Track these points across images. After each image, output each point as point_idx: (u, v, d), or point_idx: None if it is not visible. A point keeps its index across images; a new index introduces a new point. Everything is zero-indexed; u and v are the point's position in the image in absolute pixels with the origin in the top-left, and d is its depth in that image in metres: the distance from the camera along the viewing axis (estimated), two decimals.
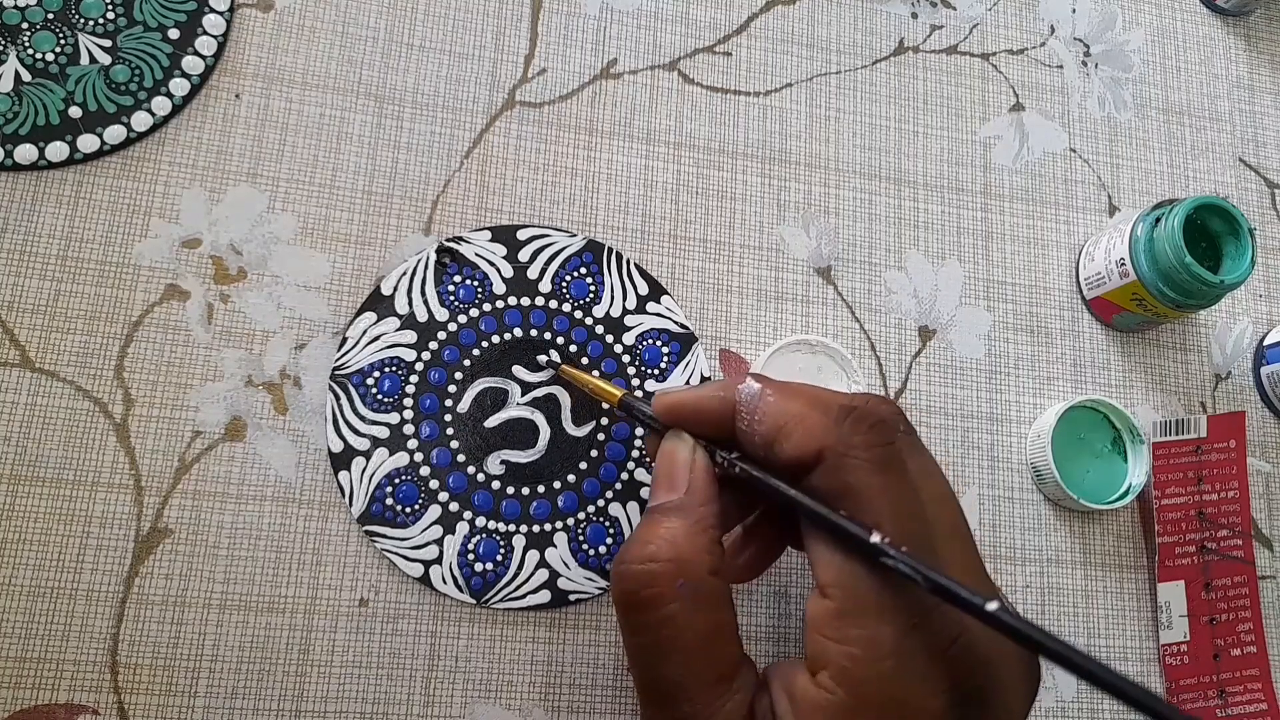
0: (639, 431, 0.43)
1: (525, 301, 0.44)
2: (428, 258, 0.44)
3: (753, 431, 0.30)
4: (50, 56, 0.43)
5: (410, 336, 0.43)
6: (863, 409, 0.30)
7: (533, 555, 0.41)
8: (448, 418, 0.42)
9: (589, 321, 0.44)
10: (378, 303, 0.43)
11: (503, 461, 0.42)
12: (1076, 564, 0.46)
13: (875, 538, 0.27)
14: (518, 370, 0.43)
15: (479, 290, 0.44)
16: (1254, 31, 0.57)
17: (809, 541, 0.30)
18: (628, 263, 0.45)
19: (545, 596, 0.41)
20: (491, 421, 0.42)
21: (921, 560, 0.26)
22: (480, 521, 0.41)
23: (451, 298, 0.43)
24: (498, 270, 0.44)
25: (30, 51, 0.42)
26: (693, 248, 0.47)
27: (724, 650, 0.29)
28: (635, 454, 0.43)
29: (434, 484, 0.41)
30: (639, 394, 0.44)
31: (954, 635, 0.27)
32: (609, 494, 0.42)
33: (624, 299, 0.45)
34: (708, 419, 0.32)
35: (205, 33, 0.44)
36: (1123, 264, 0.47)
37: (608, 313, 0.44)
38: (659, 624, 0.29)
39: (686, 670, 0.29)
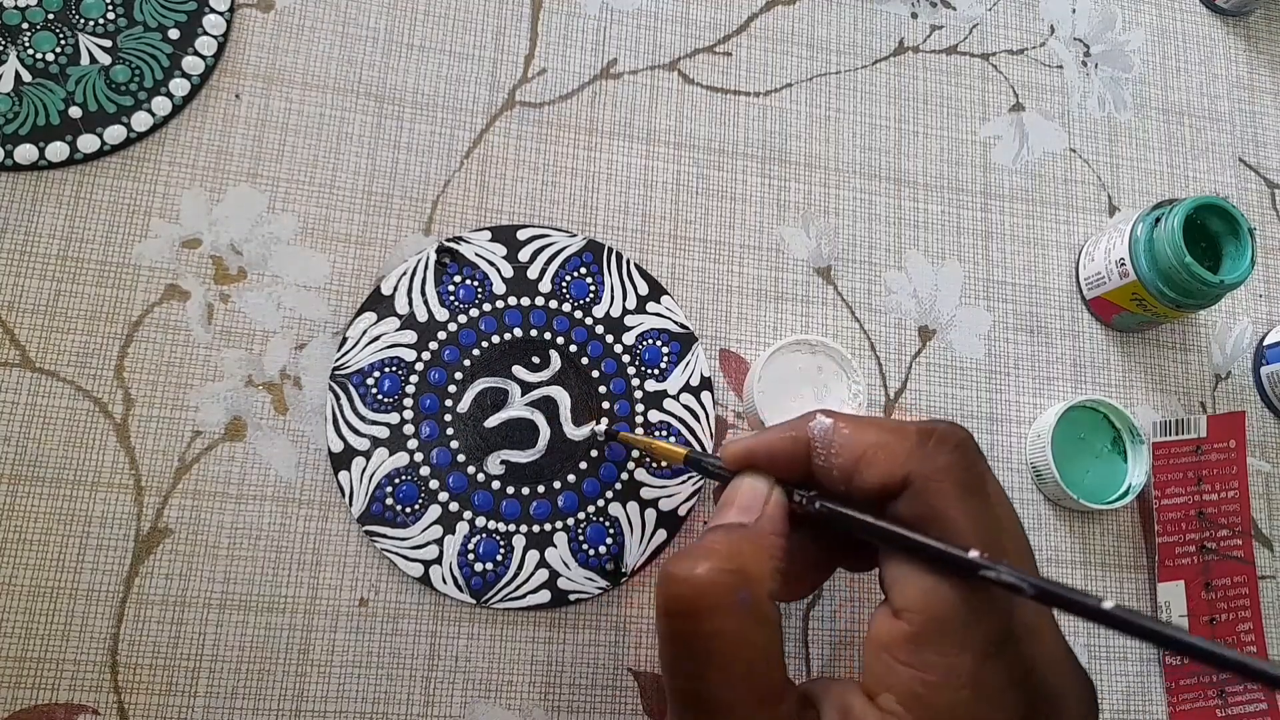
0: (639, 432, 0.43)
1: (525, 301, 0.44)
2: (428, 258, 0.44)
3: (831, 465, 0.30)
4: (50, 57, 0.43)
5: (410, 336, 0.43)
6: (943, 432, 0.29)
7: (533, 555, 0.41)
8: (448, 418, 0.42)
9: (589, 321, 0.44)
10: (378, 303, 0.43)
11: (503, 461, 0.42)
12: (1076, 564, 0.46)
13: (974, 554, 0.26)
14: (518, 370, 0.43)
15: (479, 290, 0.44)
16: (1254, 31, 0.57)
17: (887, 564, 0.29)
18: (628, 263, 0.45)
19: (545, 596, 0.41)
20: (491, 421, 0.42)
21: (1023, 570, 0.26)
22: (480, 521, 0.41)
23: (451, 298, 0.43)
24: (498, 270, 0.44)
25: (30, 51, 0.42)
26: (693, 248, 0.47)
27: (773, 672, 0.28)
28: (635, 454, 0.43)
29: (434, 484, 0.41)
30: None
31: (1028, 667, 0.27)
32: (609, 494, 0.42)
33: (624, 299, 0.45)
34: (780, 461, 0.31)
35: (205, 33, 0.44)
36: (1123, 264, 0.47)
37: (608, 313, 0.44)
38: (711, 635, 0.27)
39: (735, 687, 0.27)
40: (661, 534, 0.42)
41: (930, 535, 0.28)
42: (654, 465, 0.43)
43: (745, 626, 0.28)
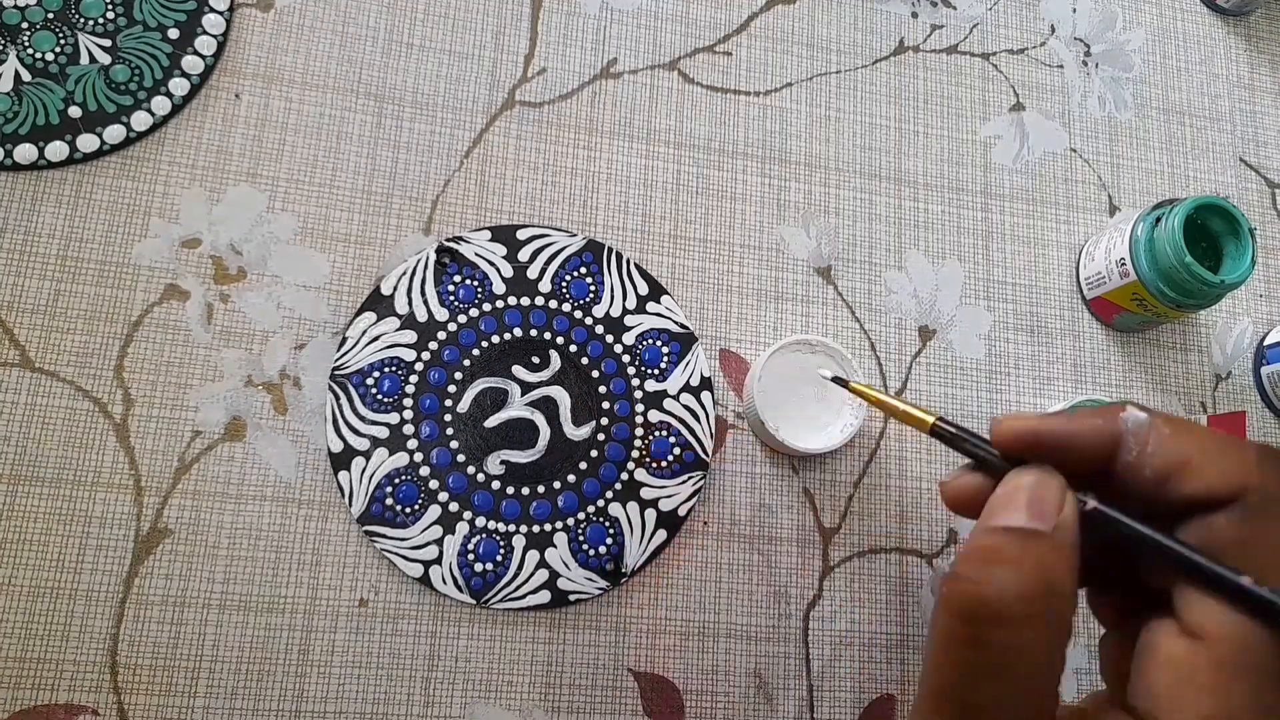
0: (639, 432, 0.43)
1: (525, 301, 0.44)
2: (428, 258, 0.44)
3: (1145, 464, 0.27)
4: (50, 56, 0.43)
5: (410, 336, 0.43)
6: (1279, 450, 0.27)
7: (533, 555, 0.41)
8: (448, 418, 0.42)
9: (589, 321, 0.44)
10: (378, 303, 0.43)
11: (503, 461, 0.42)
12: None
13: None
14: (518, 370, 0.43)
15: (479, 290, 0.44)
16: (1254, 31, 0.57)
17: (1176, 579, 0.27)
18: (628, 263, 0.45)
19: (545, 596, 0.41)
20: (491, 421, 0.42)
21: None
22: (480, 521, 0.41)
23: (451, 298, 0.43)
24: (498, 270, 0.44)
25: (30, 51, 0.42)
26: (693, 248, 0.47)
27: (1054, 694, 0.26)
28: (635, 454, 0.43)
29: (434, 484, 0.41)
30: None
31: None
32: (609, 494, 0.42)
33: (624, 299, 0.45)
34: (1077, 451, 0.28)
35: (205, 32, 0.44)
36: (1123, 264, 0.47)
37: (608, 312, 0.44)
38: (1006, 645, 0.25)
39: (1014, 705, 0.25)
40: (661, 534, 0.42)
41: (1249, 563, 0.25)
42: (653, 465, 0.43)
43: (1046, 645, 0.25)
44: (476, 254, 0.44)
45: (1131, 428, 0.27)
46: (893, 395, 0.37)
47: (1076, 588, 0.27)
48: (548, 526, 0.41)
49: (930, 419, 0.32)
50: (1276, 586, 0.24)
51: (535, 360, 0.43)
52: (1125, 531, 0.27)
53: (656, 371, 0.44)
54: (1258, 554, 0.25)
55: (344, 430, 0.41)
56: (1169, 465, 0.26)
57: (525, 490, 0.42)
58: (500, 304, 0.44)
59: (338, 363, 0.42)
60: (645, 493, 0.43)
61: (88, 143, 0.42)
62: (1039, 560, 0.26)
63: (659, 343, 0.45)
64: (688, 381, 0.44)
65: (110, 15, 0.44)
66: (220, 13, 0.45)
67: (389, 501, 0.41)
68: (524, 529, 0.41)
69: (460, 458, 0.42)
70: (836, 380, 0.39)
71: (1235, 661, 0.24)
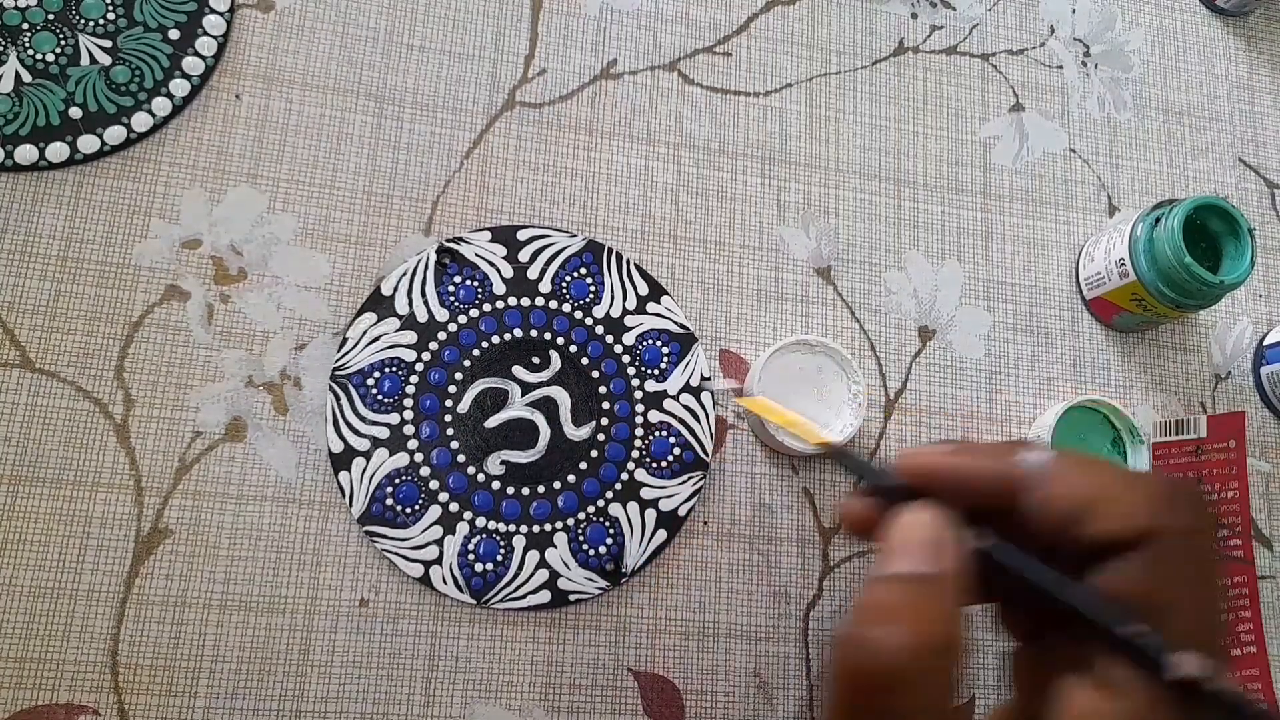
0: (639, 432, 0.43)
1: (525, 302, 0.44)
2: (428, 258, 0.44)
3: (1046, 510, 0.26)
4: (51, 57, 0.43)
5: (410, 337, 0.43)
6: (1190, 489, 0.26)
7: (533, 555, 0.41)
8: (448, 418, 0.42)
9: (589, 321, 0.44)
10: (378, 303, 0.43)
11: (503, 462, 0.42)
12: None
13: (1193, 666, 0.23)
14: (518, 371, 0.43)
15: (479, 290, 0.44)
16: (1254, 31, 0.57)
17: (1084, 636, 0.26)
18: (628, 263, 0.45)
19: (545, 596, 0.41)
20: (491, 422, 0.42)
21: (1258, 705, 0.23)
22: (480, 522, 0.41)
23: (451, 298, 0.43)
24: (498, 270, 0.44)
25: (31, 52, 0.42)
26: (693, 248, 0.47)
27: None
28: (635, 454, 0.43)
29: (434, 484, 0.41)
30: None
31: None
32: (609, 494, 0.42)
33: (624, 299, 0.45)
34: (974, 491, 0.27)
35: (205, 33, 0.44)
36: (1123, 264, 0.47)
37: (608, 313, 0.44)
38: (898, 710, 0.25)
39: None
40: (661, 534, 0.42)
41: (1147, 611, 0.24)
42: (653, 466, 0.43)
43: (940, 694, 0.25)
44: (477, 254, 0.44)
45: (1032, 470, 0.26)
46: (787, 411, 0.37)
47: (963, 645, 0.26)
48: (548, 526, 0.41)
49: (824, 439, 0.32)
50: (1167, 636, 0.24)
51: (535, 360, 0.43)
52: (1031, 575, 0.26)
53: (656, 372, 0.44)
54: (1166, 601, 0.25)
55: (344, 430, 0.41)
56: (1073, 509, 0.26)
57: (525, 490, 0.42)
58: (500, 304, 0.44)
59: (338, 363, 0.42)
60: (645, 493, 0.43)
61: (88, 143, 0.42)
62: (932, 613, 0.25)
63: (659, 343, 0.45)
64: (688, 382, 0.44)
65: (111, 16, 0.44)
66: (220, 14, 0.45)
67: (389, 502, 0.41)
68: (524, 529, 0.41)
69: (460, 458, 0.42)
70: (732, 391, 0.40)
71: (1145, 717, 0.24)
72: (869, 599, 0.26)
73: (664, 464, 0.43)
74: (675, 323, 0.45)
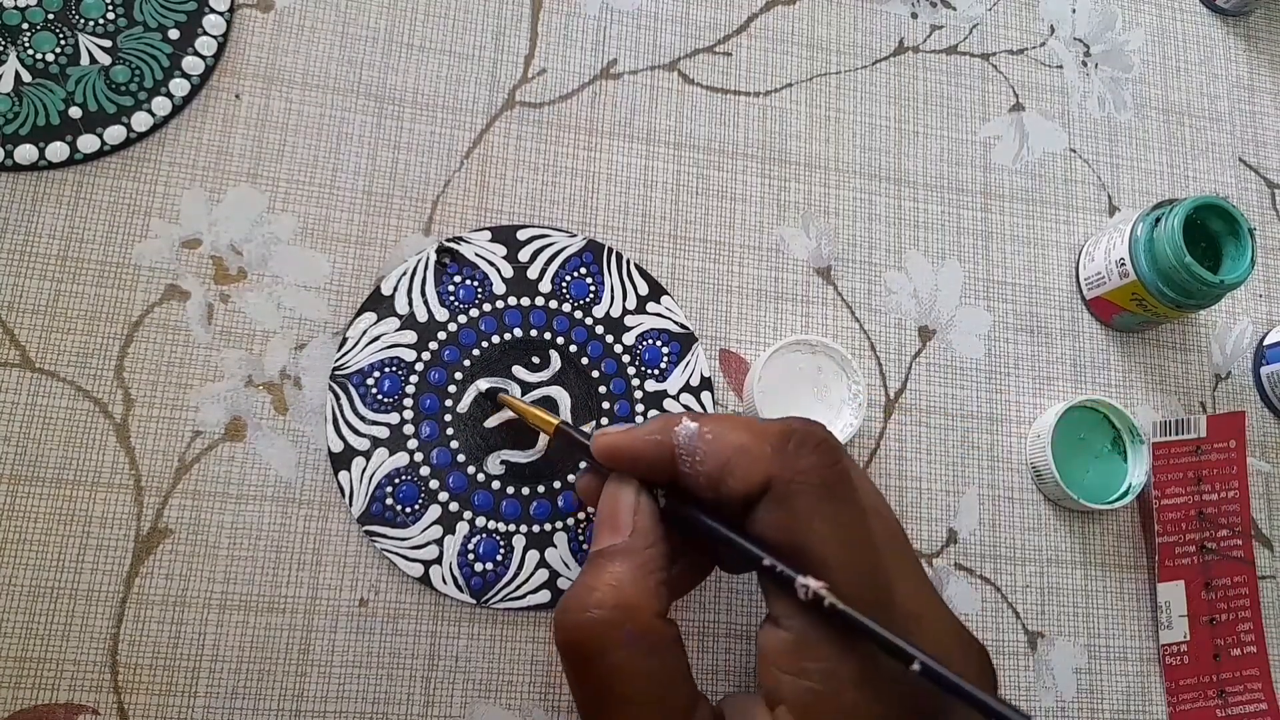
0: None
1: (525, 301, 0.44)
2: (428, 258, 0.44)
3: (696, 473, 0.29)
4: (50, 57, 0.43)
5: (410, 337, 0.43)
6: (803, 431, 0.29)
7: (533, 555, 0.41)
8: (448, 418, 0.42)
9: (589, 321, 0.44)
10: (378, 303, 0.43)
11: (502, 461, 0.42)
12: (1076, 564, 0.46)
13: (811, 584, 0.26)
14: (518, 370, 0.43)
15: (479, 290, 0.44)
16: (1254, 31, 0.57)
17: (759, 575, 0.29)
18: (628, 263, 0.45)
19: (545, 596, 0.41)
20: (491, 421, 0.42)
21: (881, 599, 0.26)
22: (480, 521, 0.41)
23: (451, 298, 0.43)
24: (498, 270, 0.44)
25: (30, 52, 0.42)
26: (693, 248, 0.47)
27: (676, 694, 0.28)
28: None
29: (434, 484, 0.41)
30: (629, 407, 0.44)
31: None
32: None
33: (624, 299, 0.45)
34: (646, 462, 0.30)
35: (205, 33, 0.44)
36: (1123, 264, 0.47)
37: (608, 313, 0.44)
38: (607, 673, 0.27)
39: (640, 716, 0.28)
40: None
41: (792, 546, 0.27)
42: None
43: (635, 659, 0.27)
44: (476, 254, 0.44)
45: (682, 440, 0.29)
46: (525, 401, 0.40)
47: (661, 588, 0.29)
48: (548, 526, 0.41)
49: (555, 422, 0.36)
50: (796, 566, 0.27)
51: (535, 360, 0.43)
52: (698, 529, 0.29)
53: (656, 372, 0.44)
54: (801, 536, 0.27)
55: (344, 430, 0.41)
56: (715, 469, 0.29)
57: (525, 490, 0.42)
58: (500, 304, 0.44)
59: (338, 363, 0.42)
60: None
61: (88, 143, 0.42)
62: (612, 581, 0.28)
63: (659, 343, 0.45)
64: (688, 381, 0.44)
65: (110, 16, 0.44)
66: (220, 13, 0.45)
67: (389, 501, 0.41)
68: (524, 529, 0.41)
69: (460, 457, 0.42)
70: (490, 393, 0.41)
71: (805, 639, 0.27)
72: (575, 580, 0.30)
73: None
74: (675, 323, 0.45)
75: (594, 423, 0.43)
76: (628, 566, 0.29)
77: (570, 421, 0.41)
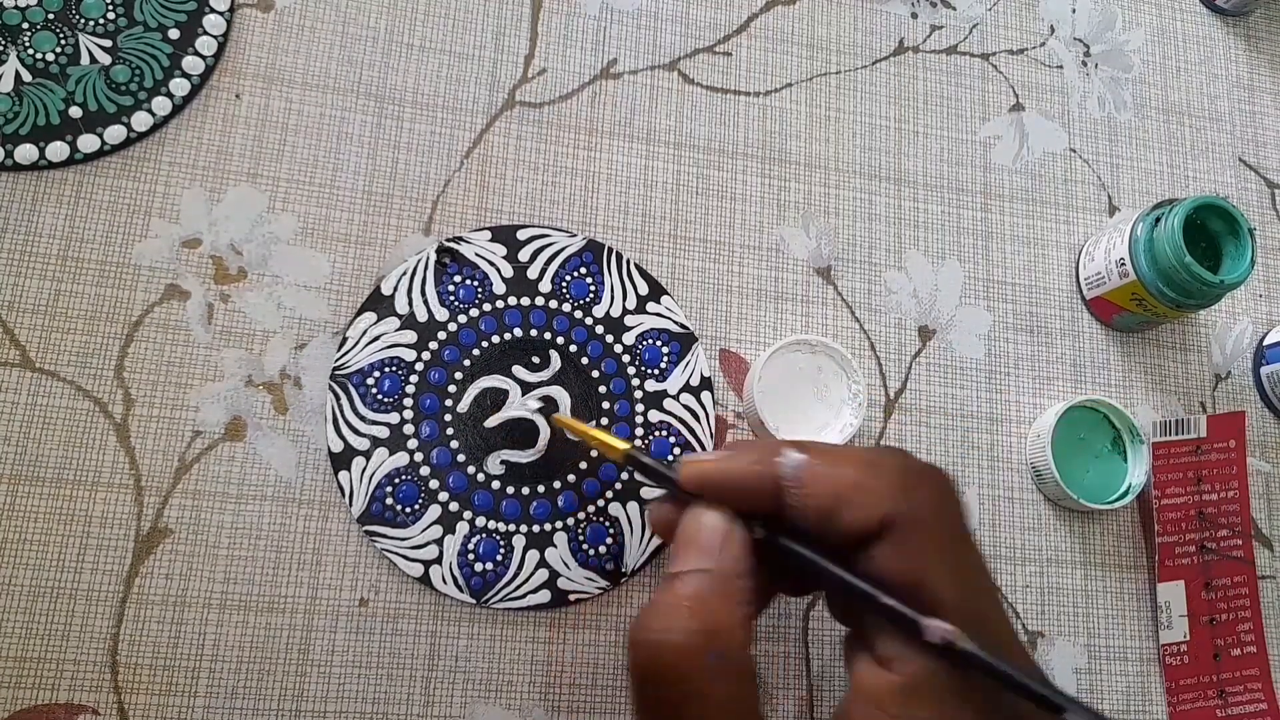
0: (639, 432, 0.43)
1: (525, 301, 0.44)
2: (428, 258, 0.44)
3: (805, 506, 0.28)
4: (50, 56, 0.43)
5: (410, 336, 0.43)
6: (919, 466, 0.28)
7: (533, 555, 0.41)
8: (448, 418, 0.42)
9: (589, 321, 0.44)
10: (378, 303, 0.43)
11: (503, 461, 0.42)
12: (1076, 564, 0.46)
13: (943, 628, 0.25)
14: (518, 370, 0.43)
15: (479, 290, 0.44)
16: (1254, 31, 0.57)
17: (864, 613, 0.28)
18: (628, 263, 0.45)
19: (545, 596, 0.41)
20: (491, 421, 0.42)
21: (1001, 656, 0.25)
22: (480, 521, 0.41)
23: (451, 298, 0.43)
24: (498, 270, 0.44)
25: (31, 51, 0.42)
26: (693, 248, 0.47)
27: None
28: None
29: (434, 484, 0.41)
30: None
31: (1021, 713, 0.26)
32: (609, 494, 0.42)
33: (624, 299, 0.45)
34: (746, 492, 0.29)
35: (205, 33, 0.44)
36: (1123, 264, 0.47)
37: (608, 313, 0.44)
38: (683, 700, 0.26)
39: None
40: None
41: (909, 587, 0.26)
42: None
43: (720, 687, 0.26)
44: (476, 254, 0.44)
45: (790, 471, 0.28)
46: (592, 426, 0.38)
47: (747, 620, 0.28)
48: (548, 526, 0.41)
49: (624, 447, 0.34)
50: (921, 607, 0.25)
51: (535, 360, 0.43)
52: (806, 566, 0.28)
53: (656, 371, 0.44)
54: (919, 577, 0.26)
55: (344, 430, 0.41)
56: (826, 503, 0.27)
57: (525, 490, 0.42)
58: (500, 304, 0.44)
59: (338, 363, 0.42)
60: (645, 492, 0.43)
61: (88, 143, 0.42)
62: (700, 605, 0.27)
63: (659, 343, 0.45)
64: (688, 381, 0.44)
65: (111, 16, 0.44)
66: (221, 13, 0.45)
67: (389, 501, 0.41)
68: (524, 529, 0.41)
69: (460, 457, 0.42)
70: (543, 411, 0.41)
71: (917, 688, 0.25)
72: (654, 599, 0.28)
73: (671, 457, 0.43)
74: (675, 322, 0.45)
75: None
76: (716, 592, 0.27)
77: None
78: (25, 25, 0.43)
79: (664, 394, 0.44)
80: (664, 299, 0.45)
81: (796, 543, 0.28)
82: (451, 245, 0.44)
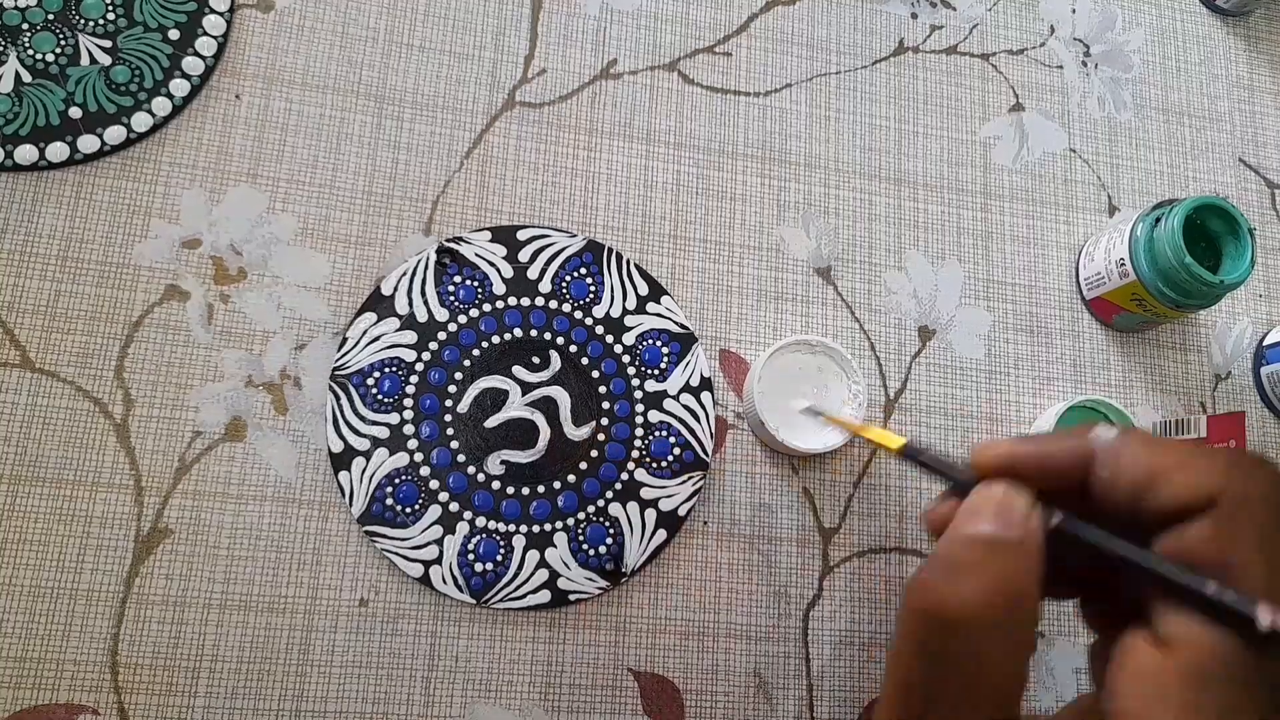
0: (639, 432, 0.43)
1: (525, 302, 0.44)
2: (428, 258, 0.44)
3: (1117, 480, 0.27)
4: (50, 57, 0.43)
5: (410, 337, 0.43)
6: (1258, 459, 0.26)
7: (533, 555, 0.41)
8: (448, 418, 0.42)
9: (589, 321, 0.44)
10: (378, 303, 0.43)
11: (503, 461, 0.42)
12: None
13: (1267, 618, 0.23)
14: (518, 370, 0.43)
15: (479, 290, 0.44)
16: (1254, 31, 0.57)
17: (1149, 590, 0.27)
18: (628, 263, 0.45)
19: (545, 596, 0.41)
20: (491, 422, 0.42)
21: None
22: (480, 521, 0.41)
23: (451, 298, 0.43)
24: (498, 270, 0.44)
25: (31, 52, 0.42)
26: (693, 248, 0.47)
27: (1014, 701, 0.26)
28: (635, 454, 0.43)
29: (434, 484, 0.41)
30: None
31: None
32: (609, 494, 0.42)
33: (624, 299, 0.45)
34: (1052, 471, 0.28)
35: (205, 33, 0.44)
36: (1123, 264, 0.47)
37: (608, 313, 0.44)
38: (967, 651, 0.25)
39: (977, 704, 0.26)
40: (661, 534, 0.42)
41: (1221, 570, 0.25)
42: (653, 465, 0.43)
43: (1005, 654, 0.26)
44: (477, 254, 0.44)
45: (1103, 445, 0.27)
46: (865, 424, 0.37)
47: (1040, 599, 0.27)
48: (548, 526, 0.41)
49: (901, 440, 0.33)
50: (1244, 592, 0.24)
51: (535, 360, 0.43)
52: (1097, 545, 0.27)
53: (656, 372, 0.44)
54: (1230, 560, 0.25)
55: (344, 430, 0.41)
56: (1141, 479, 0.26)
57: (525, 490, 0.42)
58: (500, 304, 0.44)
59: (338, 363, 0.42)
60: (645, 493, 0.43)
61: (88, 143, 0.42)
62: (1003, 569, 0.26)
63: (659, 343, 0.45)
64: (688, 381, 0.44)
65: (110, 16, 0.44)
66: (220, 14, 0.45)
67: (389, 501, 0.41)
68: (524, 529, 0.41)
69: (460, 458, 0.42)
70: (810, 410, 0.41)
71: (1202, 671, 0.24)
72: (945, 550, 0.27)
73: (664, 464, 0.43)
74: (675, 323, 0.45)
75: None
76: (1021, 566, 0.26)
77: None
78: (25, 26, 0.43)
79: (664, 394, 0.44)
80: (664, 299, 0.45)
81: (1093, 525, 0.27)
82: (451, 245, 0.44)
